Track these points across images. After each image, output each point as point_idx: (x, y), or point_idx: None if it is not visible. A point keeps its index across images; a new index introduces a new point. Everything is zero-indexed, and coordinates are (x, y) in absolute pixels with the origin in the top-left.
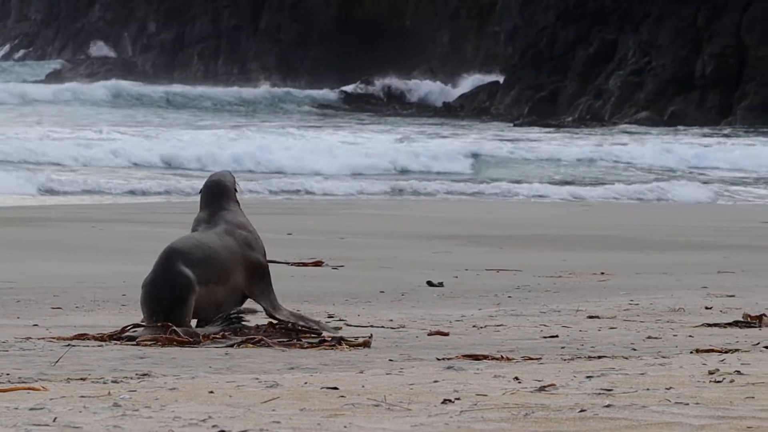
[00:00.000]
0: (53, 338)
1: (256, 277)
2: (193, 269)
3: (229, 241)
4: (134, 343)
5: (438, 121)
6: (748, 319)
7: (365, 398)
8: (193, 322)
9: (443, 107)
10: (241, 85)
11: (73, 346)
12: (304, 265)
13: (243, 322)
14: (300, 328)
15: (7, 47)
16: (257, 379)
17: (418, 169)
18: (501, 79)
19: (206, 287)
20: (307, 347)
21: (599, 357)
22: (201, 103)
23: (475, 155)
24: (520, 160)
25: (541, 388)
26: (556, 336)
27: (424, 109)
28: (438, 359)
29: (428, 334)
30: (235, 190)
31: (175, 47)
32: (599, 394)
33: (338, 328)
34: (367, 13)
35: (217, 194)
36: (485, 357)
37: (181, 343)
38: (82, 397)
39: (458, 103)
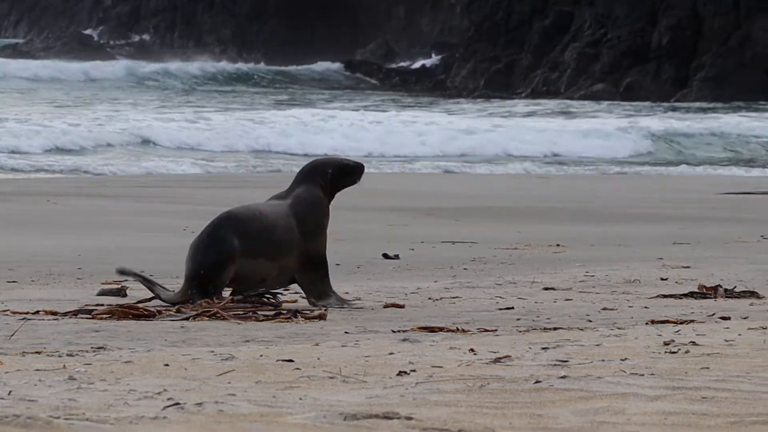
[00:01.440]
0: (8, 312)
1: (309, 265)
2: (243, 239)
3: (290, 222)
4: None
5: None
6: (704, 290)
7: (320, 370)
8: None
9: (399, 81)
10: (206, 59)
11: (29, 319)
12: None
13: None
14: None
15: None
16: (213, 352)
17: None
18: (457, 51)
19: (254, 260)
20: (262, 320)
21: (555, 328)
22: (186, 80)
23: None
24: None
25: (497, 360)
26: (512, 308)
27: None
28: (393, 331)
29: (384, 307)
30: (332, 177)
31: (131, 20)
32: (554, 365)
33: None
34: None
35: (306, 176)
36: (441, 329)
37: (137, 317)
38: (37, 370)
39: (414, 77)
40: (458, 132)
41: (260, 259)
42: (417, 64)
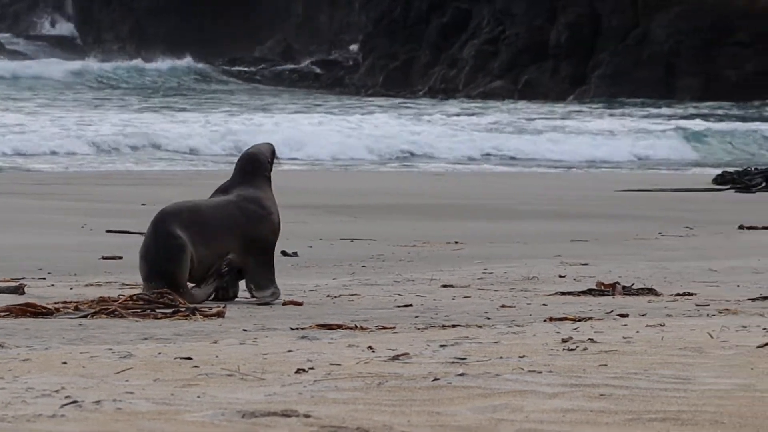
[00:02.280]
0: None
1: (253, 251)
2: (184, 231)
3: (231, 211)
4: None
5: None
6: (602, 288)
7: (219, 368)
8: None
9: (298, 78)
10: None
11: None
12: None
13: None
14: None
15: None
16: (111, 349)
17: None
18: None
19: (196, 249)
20: (161, 317)
21: (453, 326)
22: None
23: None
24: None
25: (395, 357)
26: (410, 305)
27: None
28: (292, 329)
29: (282, 304)
30: (271, 163)
31: (30, 16)
32: (453, 362)
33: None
34: None
35: (247, 168)
36: (339, 326)
37: (35, 314)
38: None
39: (312, 74)
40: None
41: (200, 247)
42: (315, 61)
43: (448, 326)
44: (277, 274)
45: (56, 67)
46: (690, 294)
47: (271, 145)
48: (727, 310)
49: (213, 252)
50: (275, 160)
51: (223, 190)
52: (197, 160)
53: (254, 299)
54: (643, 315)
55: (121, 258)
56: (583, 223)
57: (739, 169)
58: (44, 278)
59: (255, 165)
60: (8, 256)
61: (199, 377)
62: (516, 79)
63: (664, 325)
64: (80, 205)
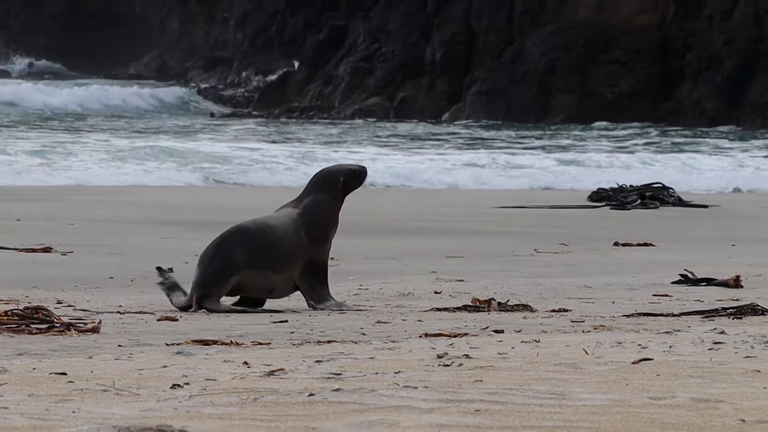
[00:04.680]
0: None
1: (309, 271)
2: (249, 253)
3: (298, 233)
4: None
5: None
6: (477, 304)
7: (94, 383)
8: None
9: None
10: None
11: None
12: (33, 251)
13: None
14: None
15: None
16: None
17: None
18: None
19: (261, 272)
20: (36, 333)
21: (329, 341)
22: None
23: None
24: None
25: (270, 373)
26: (286, 321)
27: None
28: (167, 344)
29: (158, 320)
30: (343, 185)
31: None
32: (328, 378)
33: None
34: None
35: (317, 185)
36: (215, 342)
37: None
38: None
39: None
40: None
41: (267, 271)
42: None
43: (323, 342)
44: (153, 289)
45: None
46: (565, 310)
47: (362, 167)
48: (602, 326)
49: (281, 277)
50: (358, 182)
51: (289, 205)
52: None
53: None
54: (518, 331)
55: None
56: (459, 239)
57: (615, 186)
58: None
59: (324, 181)
60: None
61: (74, 392)
62: (392, 96)
63: (539, 341)
64: None
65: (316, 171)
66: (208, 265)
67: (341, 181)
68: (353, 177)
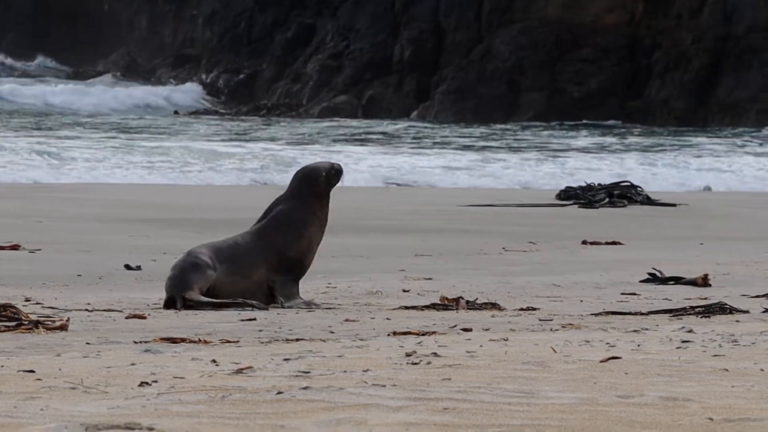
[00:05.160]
0: None
1: (281, 268)
2: (216, 260)
3: (264, 239)
4: None
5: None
6: (445, 302)
7: (62, 381)
8: None
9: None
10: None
11: None
12: (1, 248)
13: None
14: None
15: None
16: None
17: None
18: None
19: (230, 277)
20: (3, 330)
21: (297, 340)
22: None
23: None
24: None
25: (239, 371)
26: (254, 319)
27: None
28: (135, 342)
29: (126, 318)
30: (326, 180)
31: None
32: (297, 376)
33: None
34: None
35: (300, 182)
36: (183, 340)
37: None
38: None
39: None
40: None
41: (235, 277)
42: (161, 76)
43: (292, 340)
44: (121, 287)
45: None
46: (533, 309)
47: (337, 164)
48: (570, 324)
49: (249, 281)
50: (337, 179)
51: (277, 202)
52: None
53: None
54: (486, 329)
55: None
56: (427, 237)
57: (583, 184)
58: None
59: (304, 179)
60: None
61: (42, 390)
62: (360, 94)
63: (507, 340)
64: None
65: (298, 169)
66: (183, 265)
67: (323, 176)
68: (333, 174)
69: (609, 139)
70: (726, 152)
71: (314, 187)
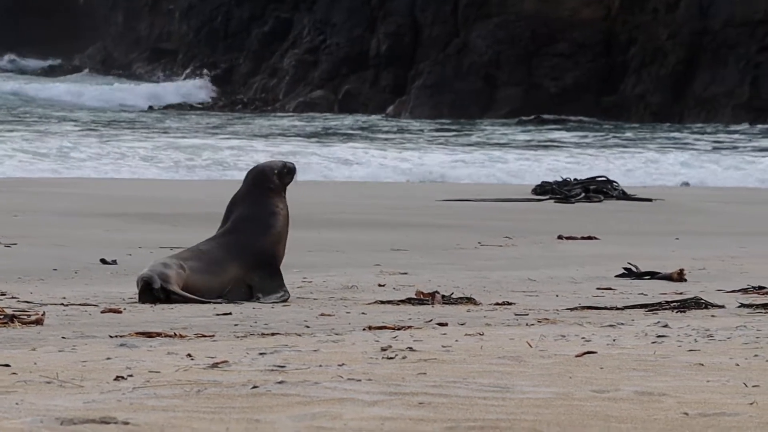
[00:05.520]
0: None
1: (255, 265)
2: (183, 260)
3: (228, 239)
4: None
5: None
6: (421, 297)
7: (38, 375)
8: None
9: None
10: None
11: None
12: None
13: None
14: None
15: None
16: None
17: None
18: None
19: (201, 276)
20: None
21: (272, 334)
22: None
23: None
24: None
25: (214, 365)
26: (230, 313)
27: None
28: (111, 336)
29: (102, 312)
30: (278, 177)
31: None
32: (272, 370)
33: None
34: None
35: (252, 182)
36: (158, 334)
37: None
38: None
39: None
40: None
41: (204, 275)
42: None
43: (267, 334)
44: (97, 281)
45: None
46: (509, 303)
47: (290, 163)
48: (546, 319)
49: (221, 279)
50: (291, 177)
51: (232, 202)
52: None
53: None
54: (462, 324)
55: None
56: (404, 232)
57: (559, 179)
58: None
59: (258, 178)
60: None
61: (17, 384)
62: (336, 89)
63: (483, 334)
64: None
65: (250, 168)
66: (155, 262)
67: (276, 174)
68: (286, 172)
69: (586, 134)
70: (705, 148)
71: (268, 183)
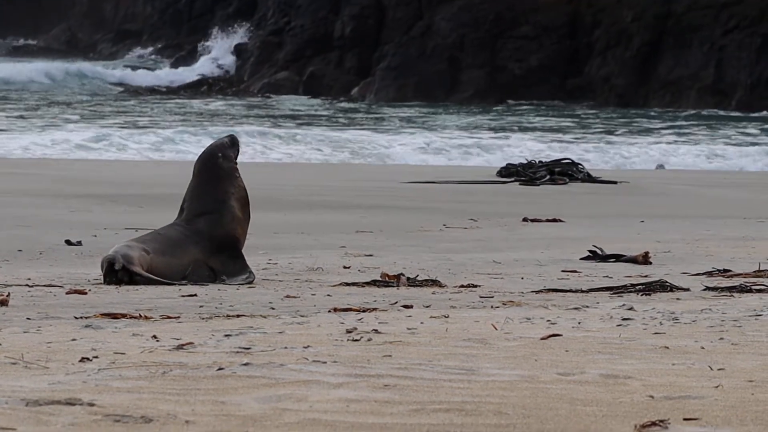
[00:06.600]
0: None
1: (217, 249)
2: (145, 243)
3: (188, 231)
4: None
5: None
6: (386, 279)
7: (2, 356)
8: None
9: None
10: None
11: None
12: None
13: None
14: None
15: None
16: None
17: None
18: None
19: (163, 258)
20: None
21: (238, 316)
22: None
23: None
24: None
25: (180, 347)
26: (195, 295)
27: None
28: (76, 318)
29: (66, 293)
30: (223, 159)
31: None
32: (237, 352)
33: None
34: None
35: (200, 170)
36: (124, 316)
37: None
38: None
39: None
40: None
41: (166, 257)
42: (102, 51)
43: (232, 316)
44: (62, 262)
45: None
46: (474, 286)
47: (230, 136)
48: (511, 302)
49: (182, 261)
50: (236, 150)
51: (184, 199)
52: None
53: (227, 283)
54: (427, 306)
55: None
56: (369, 214)
57: (524, 161)
58: None
59: (207, 164)
60: None
61: None
62: (301, 70)
63: (448, 317)
64: None
65: (196, 159)
66: (119, 245)
67: (220, 157)
68: (228, 147)
69: (552, 118)
70: (673, 131)
71: (216, 169)
